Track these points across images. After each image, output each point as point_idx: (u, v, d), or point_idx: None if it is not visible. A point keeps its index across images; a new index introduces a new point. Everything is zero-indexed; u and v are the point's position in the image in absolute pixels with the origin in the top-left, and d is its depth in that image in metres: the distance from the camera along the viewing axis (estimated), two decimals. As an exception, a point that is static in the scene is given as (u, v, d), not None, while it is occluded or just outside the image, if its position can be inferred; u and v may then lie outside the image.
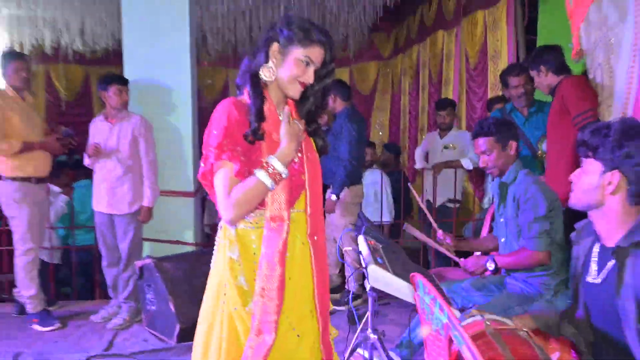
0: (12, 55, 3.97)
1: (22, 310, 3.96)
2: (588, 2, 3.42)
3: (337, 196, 4.18)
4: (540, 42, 4.63)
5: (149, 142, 3.88)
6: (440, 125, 4.97)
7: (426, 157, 5.24)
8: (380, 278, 2.12)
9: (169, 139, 4.27)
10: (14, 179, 3.71)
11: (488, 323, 1.68)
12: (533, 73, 3.38)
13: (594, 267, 1.74)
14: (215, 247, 1.79)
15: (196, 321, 1.81)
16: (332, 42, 1.73)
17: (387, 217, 5.48)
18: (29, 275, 3.79)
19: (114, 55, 6.58)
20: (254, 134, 1.64)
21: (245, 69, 1.75)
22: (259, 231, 1.70)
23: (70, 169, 5.18)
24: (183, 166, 4.36)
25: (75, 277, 4.77)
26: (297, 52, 1.67)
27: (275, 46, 1.68)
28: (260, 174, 1.60)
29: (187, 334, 3.34)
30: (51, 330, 3.77)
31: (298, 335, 1.74)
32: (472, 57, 5.57)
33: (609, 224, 1.68)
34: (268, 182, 1.60)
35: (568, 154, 3.14)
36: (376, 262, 2.18)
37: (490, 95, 5.14)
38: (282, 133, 1.66)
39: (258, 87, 1.70)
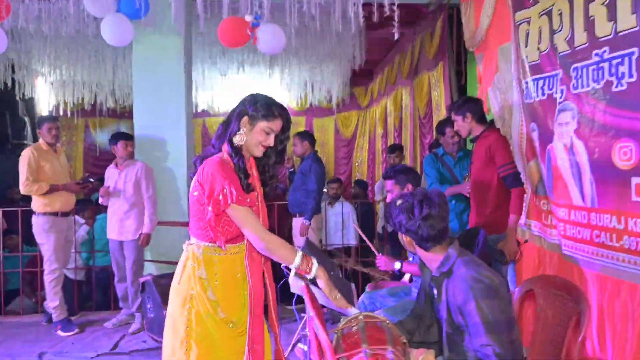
0: (45, 118, 4.38)
1: (50, 319, 4.24)
2: (493, 72, 3.75)
3: (309, 221, 4.49)
4: (468, 98, 4.99)
5: (149, 183, 4.20)
6: (391, 165, 5.30)
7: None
8: (295, 284, 2.44)
9: (168, 180, 4.58)
10: (44, 213, 4.06)
11: (361, 317, 1.98)
12: (457, 117, 3.41)
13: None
14: (180, 268, 1.92)
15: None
16: (288, 114, 1.93)
17: (353, 241, 5.75)
18: (53, 290, 4.10)
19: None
20: (246, 189, 1.83)
21: (221, 134, 1.92)
22: (220, 256, 1.87)
23: (93, 205, 5.56)
24: (179, 201, 4.64)
25: (95, 291, 5.10)
26: (262, 125, 1.85)
27: (245, 119, 1.86)
28: (298, 258, 1.81)
29: (175, 336, 3.65)
30: (71, 335, 4.05)
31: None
32: (422, 109, 5.94)
33: (427, 262, 1.99)
34: (296, 264, 1.81)
35: (492, 193, 3.30)
36: (298, 275, 2.50)
37: (435, 137, 5.48)
38: (334, 287, 1.87)
39: (238, 151, 1.88)
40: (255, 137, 1.86)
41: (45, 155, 4.13)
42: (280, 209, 5.20)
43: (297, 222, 4.59)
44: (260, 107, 1.86)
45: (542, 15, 2.89)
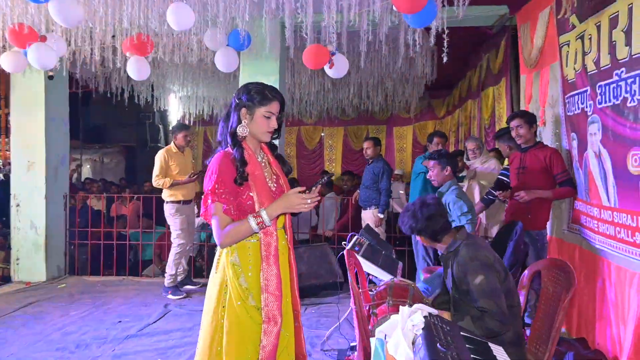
0: (182, 126, 4.89)
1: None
2: (547, 88, 3.81)
3: (382, 214, 4.86)
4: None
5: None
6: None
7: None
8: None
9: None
10: (171, 201, 4.62)
11: (393, 280, 2.34)
12: (526, 125, 3.37)
13: None
14: (217, 256, 1.79)
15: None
16: (281, 95, 1.81)
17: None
18: (175, 261, 4.62)
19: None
20: (241, 177, 1.71)
21: (223, 130, 1.80)
22: (252, 243, 1.73)
23: None
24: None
25: (207, 263, 5.85)
26: (261, 111, 1.74)
27: (243, 110, 1.75)
28: (251, 221, 1.66)
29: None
30: (180, 299, 4.53)
31: (287, 334, 1.81)
32: (486, 120, 6.01)
33: (441, 249, 2.22)
34: (255, 227, 1.67)
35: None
36: (351, 249, 2.89)
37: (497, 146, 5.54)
38: (280, 198, 1.71)
39: (237, 142, 1.75)
40: (258, 126, 1.76)
41: (174, 156, 4.61)
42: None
43: (367, 214, 4.95)
44: (254, 94, 1.76)
45: (577, 38, 3.03)
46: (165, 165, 4.62)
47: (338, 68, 3.78)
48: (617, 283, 2.65)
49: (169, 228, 4.87)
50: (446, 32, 3.21)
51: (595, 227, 2.90)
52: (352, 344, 3.09)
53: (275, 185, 1.82)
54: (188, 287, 4.88)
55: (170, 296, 4.61)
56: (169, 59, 4.69)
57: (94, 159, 15.10)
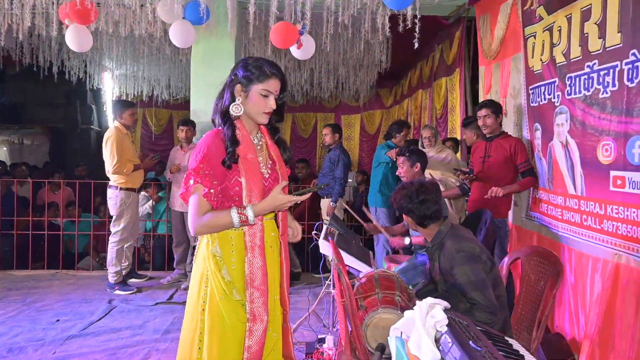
0: (128, 103, 4.48)
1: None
2: (508, 79, 3.88)
3: (335, 203, 4.76)
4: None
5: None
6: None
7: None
8: (323, 246, 2.71)
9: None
10: (127, 189, 4.17)
11: (377, 271, 2.25)
12: (492, 115, 3.39)
13: None
14: (197, 244, 1.66)
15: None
16: (282, 73, 1.64)
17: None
18: (117, 257, 4.21)
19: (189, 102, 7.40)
20: (230, 158, 1.55)
21: (216, 108, 1.65)
22: (236, 232, 1.58)
23: (158, 182, 5.92)
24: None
25: (153, 255, 5.49)
26: (257, 88, 1.57)
27: (238, 87, 1.59)
28: (234, 215, 1.51)
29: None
30: (130, 293, 4.17)
31: (275, 335, 1.69)
32: (439, 110, 6.11)
33: (425, 237, 2.21)
34: (236, 222, 1.52)
35: (503, 184, 3.31)
36: (325, 238, 2.77)
37: (449, 136, 5.66)
38: (269, 197, 1.56)
39: (228, 121, 1.59)
40: (253, 105, 1.59)
41: (125, 138, 4.17)
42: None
43: (325, 203, 4.85)
44: (251, 69, 1.58)
45: (545, 30, 3.08)
46: (121, 148, 4.12)
47: (305, 48, 3.60)
48: (578, 268, 2.75)
49: (110, 217, 4.40)
50: (418, 16, 3.15)
51: (558, 215, 2.99)
52: (319, 337, 2.99)
53: (270, 171, 1.67)
54: (133, 280, 4.53)
55: (118, 292, 4.25)
56: (113, 31, 4.24)
57: (13, 140, 13.70)
